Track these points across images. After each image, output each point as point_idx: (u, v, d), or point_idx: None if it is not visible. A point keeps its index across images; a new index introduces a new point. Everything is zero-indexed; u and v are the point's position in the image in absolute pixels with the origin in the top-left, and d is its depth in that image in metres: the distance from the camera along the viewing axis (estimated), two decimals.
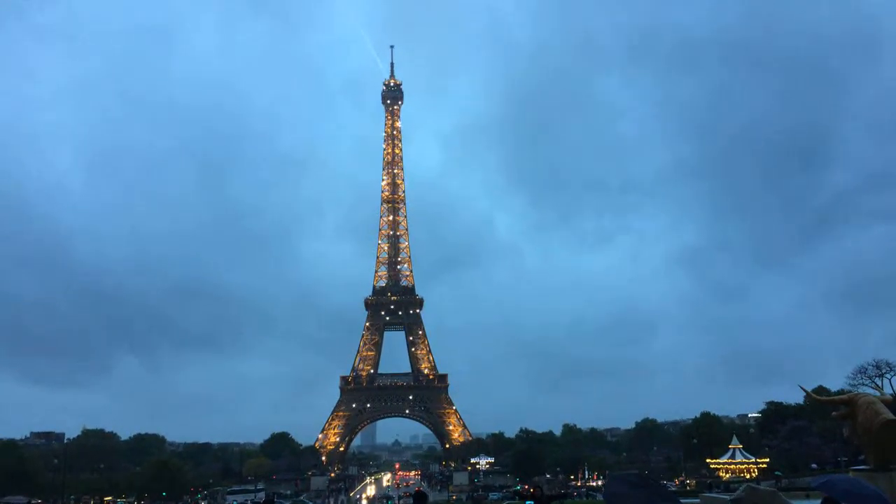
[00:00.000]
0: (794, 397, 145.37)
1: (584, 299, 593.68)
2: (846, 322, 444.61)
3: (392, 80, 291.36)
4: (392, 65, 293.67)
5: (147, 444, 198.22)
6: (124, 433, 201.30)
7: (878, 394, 31.10)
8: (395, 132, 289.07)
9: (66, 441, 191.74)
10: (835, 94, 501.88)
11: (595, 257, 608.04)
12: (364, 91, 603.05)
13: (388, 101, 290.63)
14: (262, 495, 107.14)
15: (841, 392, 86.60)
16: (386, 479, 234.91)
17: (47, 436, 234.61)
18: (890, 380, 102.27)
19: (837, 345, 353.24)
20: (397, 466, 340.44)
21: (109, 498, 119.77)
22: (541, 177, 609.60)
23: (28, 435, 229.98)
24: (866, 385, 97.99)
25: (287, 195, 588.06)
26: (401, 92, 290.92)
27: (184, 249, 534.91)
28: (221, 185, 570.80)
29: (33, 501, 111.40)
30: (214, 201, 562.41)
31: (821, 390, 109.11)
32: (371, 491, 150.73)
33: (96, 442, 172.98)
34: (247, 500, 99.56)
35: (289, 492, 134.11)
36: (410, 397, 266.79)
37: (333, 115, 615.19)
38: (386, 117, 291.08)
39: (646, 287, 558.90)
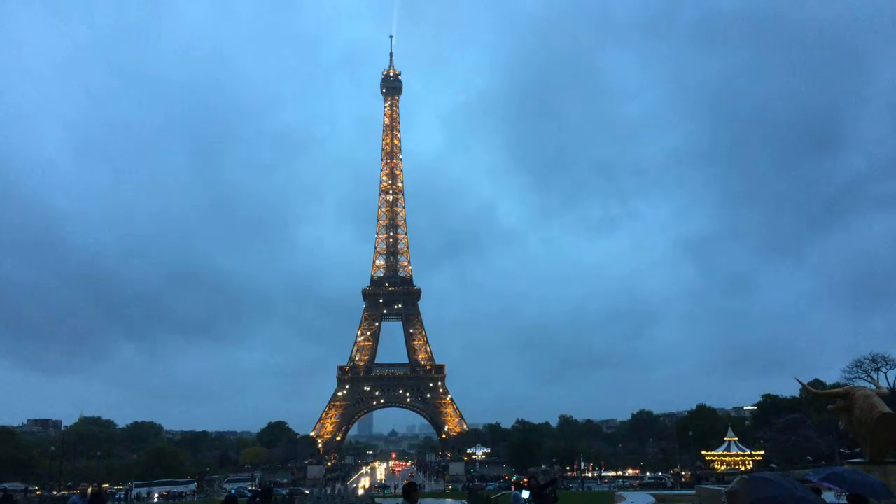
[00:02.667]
0: (792, 390, 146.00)
1: (587, 288, 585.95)
2: (850, 314, 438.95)
3: (391, 71, 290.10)
4: (391, 55, 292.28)
5: (144, 431, 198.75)
6: (121, 421, 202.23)
7: (874, 387, 31.18)
8: (393, 123, 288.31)
9: (63, 428, 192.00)
10: (854, 75, 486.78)
11: (600, 244, 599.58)
12: (363, 67, 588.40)
13: (388, 92, 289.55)
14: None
15: (837, 385, 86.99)
16: (382, 468, 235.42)
17: (44, 423, 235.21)
18: (886, 373, 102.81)
19: (839, 337, 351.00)
20: (393, 456, 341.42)
21: (107, 485, 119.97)
22: (546, 159, 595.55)
23: (25, 422, 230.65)
24: (862, 378, 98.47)
25: (283, 176, 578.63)
26: (400, 83, 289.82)
27: (177, 233, 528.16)
28: (215, 165, 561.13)
29: (30, 488, 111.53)
30: (208, 182, 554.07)
31: (817, 383, 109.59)
32: (366, 482, 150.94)
33: (93, 429, 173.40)
34: (244, 488, 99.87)
35: (285, 480, 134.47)
36: (407, 387, 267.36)
37: (332, 91, 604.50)
38: (385, 108, 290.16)
39: (649, 276, 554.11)
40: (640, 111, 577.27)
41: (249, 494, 79.28)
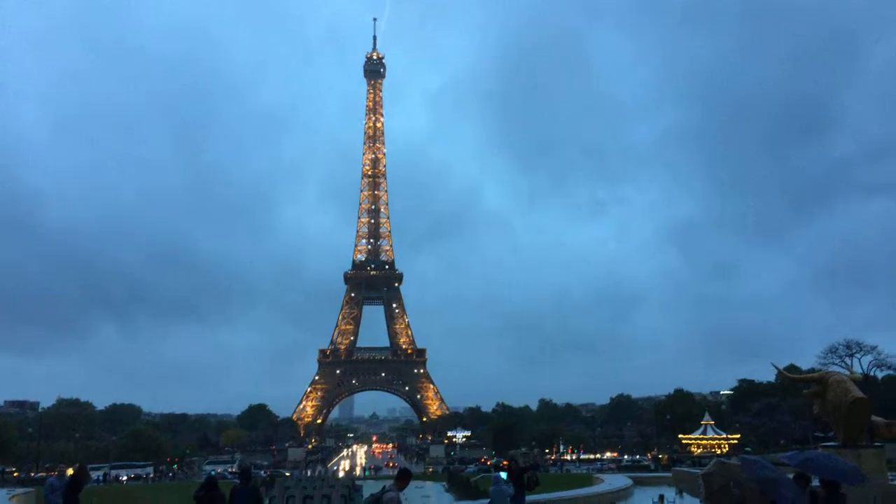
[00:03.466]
0: (768, 375, 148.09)
1: (571, 272, 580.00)
2: (832, 301, 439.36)
3: (374, 54, 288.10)
4: (375, 38, 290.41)
5: (123, 413, 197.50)
6: (100, 403, 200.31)
7: (847, 373, 31.76)
8: (376, 106, 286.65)
9: (40, 410, 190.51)
10: (845, 59, 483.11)
11: (585, 228, 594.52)
12: (348, 44, 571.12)
13: (371, 75, 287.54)
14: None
15: (812, 370, 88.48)
16: (362, 451, 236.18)
17: (21, 405, 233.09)
18: (860, 359, 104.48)
19: (820, 324, 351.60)
20: (374, 439, 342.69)
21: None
22: (533, 141, 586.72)
23: (2, 403, 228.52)
24: (836, 364, 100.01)
25: (266, 156, 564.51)
26: (383, 66, 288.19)
27: (158, 213, 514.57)
28: (197, 143, 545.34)
29: (7, 470, 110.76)
30: (189, 160, 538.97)
31: (792, 368, 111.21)
32: (346, 464, 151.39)
33: (71, 411, 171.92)
34: (224, 470, 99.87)
35: (266, 462, 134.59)
36: (388, 371, 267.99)
37: (315, 69, 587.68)
38: (368, 91, 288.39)
39: (634, 261, 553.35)
40: (630, 93, 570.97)
41: (230, 476, 79.38)
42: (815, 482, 12.80)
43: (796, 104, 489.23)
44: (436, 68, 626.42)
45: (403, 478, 13.42)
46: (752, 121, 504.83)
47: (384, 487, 12.62)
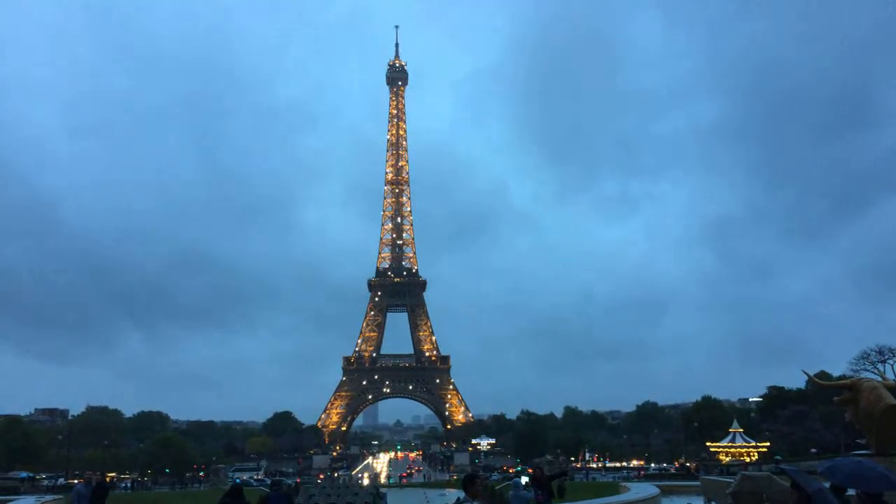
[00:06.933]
0: (798, 382, 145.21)
1: (598, 274, 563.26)
2: (870, 303, 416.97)
3: (397, 62, 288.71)
4: (397, 45, 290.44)
5: (150, 421, 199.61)
6: (128, 410, 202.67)
7: (880, 379, 31.02)
8: (399, 113, 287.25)
9: (70, 417, 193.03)
10: (894, 49, 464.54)
11: (615, 226, 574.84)
12: (370, 34, 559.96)
13: (393, 82, 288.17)
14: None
15: (843, 377, 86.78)
16: (387, 458, 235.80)
17: (52, 412, 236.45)
18: (892, 365, 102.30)
19: (857, 327, 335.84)
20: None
21: (113, 474, 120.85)
22: (562, 134, 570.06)
23: (33, 411, 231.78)
24: (868, 370, 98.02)
25: (285, 155, 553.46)
26: (405, 73, 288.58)
27: (178, 216, 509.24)
28: (216, 141, 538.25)
29: (38, 476, 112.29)
30: (207, 161, 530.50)
31: (823, 375, 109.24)
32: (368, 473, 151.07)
33: (100, 419, 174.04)
34: (250, 478, 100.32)
35: (291, 470, 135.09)
36: (412, 378, 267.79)
37: (336, 62, 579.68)
38: (390, 98, 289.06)
39: (666, 261, 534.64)
40: (665, 83, 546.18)
41: (255, 484, 79.53)
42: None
43: (841, 97, 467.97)
44: (460, 60, 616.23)
45: (472, 482, 11.33)
46: (794, 114, 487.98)
47: (458, 499, 11.18)
